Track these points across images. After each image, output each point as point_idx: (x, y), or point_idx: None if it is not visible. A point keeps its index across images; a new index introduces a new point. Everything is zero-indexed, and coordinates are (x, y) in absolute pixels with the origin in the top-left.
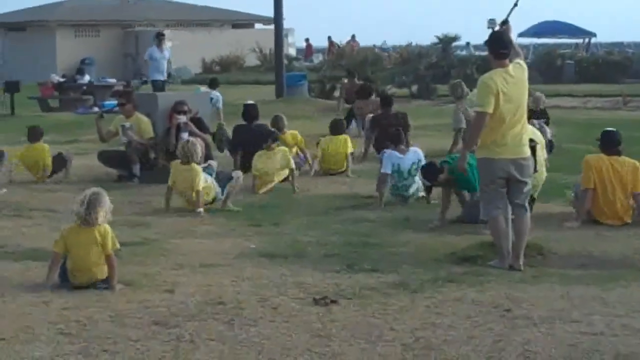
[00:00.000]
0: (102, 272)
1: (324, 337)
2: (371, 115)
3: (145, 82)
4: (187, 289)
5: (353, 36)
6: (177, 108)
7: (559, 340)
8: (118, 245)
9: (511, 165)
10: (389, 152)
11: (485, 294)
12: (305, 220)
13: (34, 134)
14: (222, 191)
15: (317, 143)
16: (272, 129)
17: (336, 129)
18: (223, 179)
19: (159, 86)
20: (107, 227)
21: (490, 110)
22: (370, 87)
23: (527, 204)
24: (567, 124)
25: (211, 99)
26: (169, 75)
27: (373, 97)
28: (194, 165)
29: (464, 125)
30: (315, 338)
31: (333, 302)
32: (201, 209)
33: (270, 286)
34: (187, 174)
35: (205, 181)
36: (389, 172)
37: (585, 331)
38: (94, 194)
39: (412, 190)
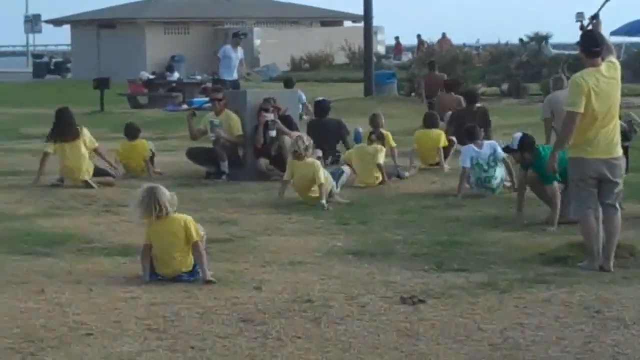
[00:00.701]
0: (186, 263)
1: (411, 337)
2: (450, 112)
3: (215, 79)
4: (274, 286)
5: (444, 34)
6: (265, 105)
7: None
8: (199, 237)
9: (603, 165)
10: (466, 147)
11: (574, 295)
12: (394, 219)
13: (131, 131)
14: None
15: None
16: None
17: (430, 122)
18: (333, 173)
19: (226, 86)
20: (186, 217)
21: (581, 109)
22: (459, 82)
23: (618, 204)
24: None
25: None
26: (248, 74)
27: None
28: (312, 160)
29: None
30: (402, 337)
31: (421, 301)
32: (324, 201)
33: (357, 284)
34: (307, 170)
35: (324, 174)
36: (468, 166)
37: None
38: (148, 190)
39: (496, 181)
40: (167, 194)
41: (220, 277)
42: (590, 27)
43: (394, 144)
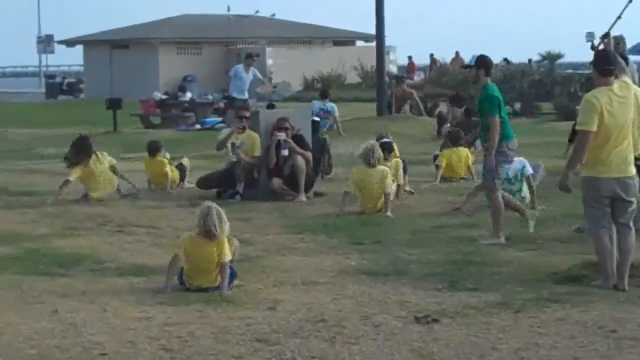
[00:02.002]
0: (216, 280)
1: (425, 356)
2: (449, 125)
3: (226, 97)
4: (288, 306)
5: (457, 53)
6: (278, 124)
7: None
8: (229, 257)
9: (616, 185)
10: None
11: (589, 314)
12: (407, 238)
13: (152, 148)
14: None
15: (435, 158)
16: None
17: (456, 140)
18: None
19: (236, 102)
20: (225, 239)
21: (594, 128)
22: (461, 96)
23: (631, 223)
24: None
25: (328, 110)
26: (275, 87)
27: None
28: (382, 167)
29: None
30: (417, 357)
31: (435, 320)
32: (389, 213)
33: (371, 304)
34: (377, 175)
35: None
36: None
37: None
38: (218, 210)
39: (518, 198)
40: (225, 220)
41: (234, 297)
42: (602, 46)
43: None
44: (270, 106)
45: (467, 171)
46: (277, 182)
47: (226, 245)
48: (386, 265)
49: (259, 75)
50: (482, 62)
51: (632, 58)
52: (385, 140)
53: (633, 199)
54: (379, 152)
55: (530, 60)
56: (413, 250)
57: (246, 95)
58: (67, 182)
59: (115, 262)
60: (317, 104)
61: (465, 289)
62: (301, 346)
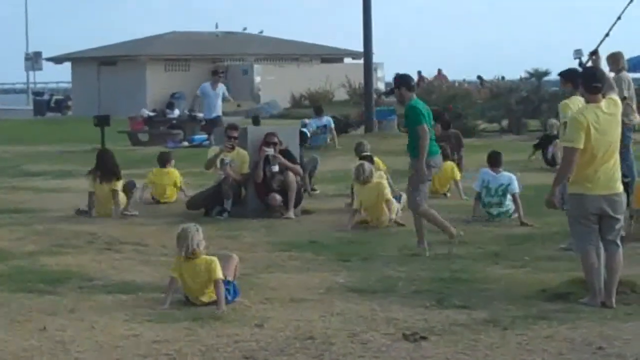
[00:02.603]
0: (211, 296)
1: None
2: None
3: (193, 117)
4: (276, 323)
5: (439, 70)
6: (267, 139)
7: None
8: (220, 275)
9: (603, 202)
10: (484, 171)
11: (577, 332)
12: (395, 255)
13: (162, 159)
14: None
15: None
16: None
17: (444, 156)
18: (395, 198)
19: (212, 124)
20: (211, 258)
21: (580, 145)
22: (442, 113)
23: (619, 241)
24: None
25: (325, 126)
26: (238, 105)
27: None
28: (377, 181)
29: None
30: None
31: (423, 338)
32: (394, 216)
33: (359, 321)
34: (376, 190)
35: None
36: (478, 189)
37: None
38: (183, 230)
39: (497, 211)
40: (198, 237)
41: (222, 314)
42: (590, 64)
43: (384, 167)
44: (256, 120)
45: (451, 186)
46: (278, 197)
47: (215, 263)
48: (374, 282)
49: (227, 93)
50: (400, 81)
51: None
52: (365, 154)
53: (620, 216)
54: (368, 167)
55: (521, 78)
56: (401, 267)
57: (218, 113)
58: (91, 194)
59: (103, 280)
60: (314, 122)
61: (454, 306)
62: None
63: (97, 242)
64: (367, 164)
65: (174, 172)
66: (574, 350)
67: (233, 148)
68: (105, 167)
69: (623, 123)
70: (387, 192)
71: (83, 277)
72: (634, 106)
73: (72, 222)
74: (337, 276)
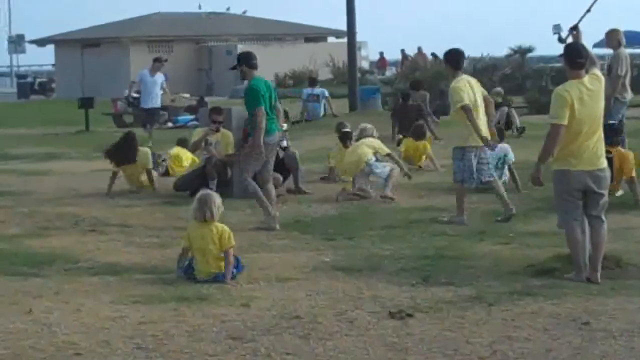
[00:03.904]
0: (220, 266)
1: (400, 351)
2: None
3: (131, 103)
4: (262, 303)
5: (419, 48)
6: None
7: (639, 353)
8: (233, 243)
9: (588, 177)
10: None
11: (562, 307)
12: (380, 234)
13: (182, 141)
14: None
15: (398, 143)
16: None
17: (418, 134)
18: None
19: (150, 114)
20: (224, 226)
21: (565, 122)
22: (421, 82)
23: (603, 216)
24: None
25: (317, 94)
26: (172, 100)
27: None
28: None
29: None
30: (391, 352)
31: (409, 315)
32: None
33: (345, 300)
34: (354, 154)
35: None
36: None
37: None
38: (205, 194)
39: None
40: (219, 201)
41: (209, 294)
42: (570, 39)
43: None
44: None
45: (425, 161)
46: (278, 176)
47: (229, 232)
48: (360, 260)
49: (164, 84)
50: (241, 59)
51: (602, 51)
52: (346, 130)
53: (604, 192)
54: (371, 126)
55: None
56: (387, 245)
57: (156, 103)
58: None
59: (88, 262)
60: (306, 91)
61: (439, 283)
62: (275, 343)
63: (82, 224)
64: (369, 125)
65: (187, 153)
66: (559, 325)
67: (218, 130)
68: (130, 152)
69: (616, 99)
70: (370, 155)
71: (68, 259)
72: (627, 82)
73: (56, 204)
74: (323, 255)
